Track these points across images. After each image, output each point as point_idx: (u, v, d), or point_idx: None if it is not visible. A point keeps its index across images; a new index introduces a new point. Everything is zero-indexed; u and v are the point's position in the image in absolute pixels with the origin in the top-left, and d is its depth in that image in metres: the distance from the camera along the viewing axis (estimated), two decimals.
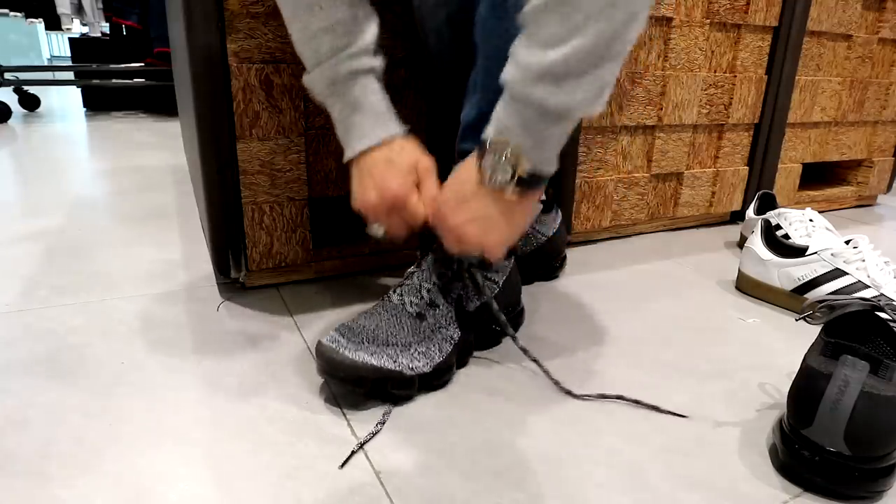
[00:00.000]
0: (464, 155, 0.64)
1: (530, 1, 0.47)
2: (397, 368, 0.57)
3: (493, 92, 0.60)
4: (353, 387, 0.57)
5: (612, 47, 0.46)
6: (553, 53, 0.46)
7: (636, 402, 0.60)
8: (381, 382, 0.56)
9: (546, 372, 0.63)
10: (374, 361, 0.56)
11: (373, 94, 0.61)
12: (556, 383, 0.62)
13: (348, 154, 0.61)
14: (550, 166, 0.53)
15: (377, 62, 0.61)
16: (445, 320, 0.63)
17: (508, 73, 0.49)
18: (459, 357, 0.64)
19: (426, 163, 0.61)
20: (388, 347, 0.58)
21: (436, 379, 0.60)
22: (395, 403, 0.58)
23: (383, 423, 0.55)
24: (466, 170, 0.55)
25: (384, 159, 0.60)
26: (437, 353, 0.61)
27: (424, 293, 0.63)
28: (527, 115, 0.49)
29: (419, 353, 0.59)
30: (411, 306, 0.62)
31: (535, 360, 0.64)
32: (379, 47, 0.62)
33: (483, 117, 0.61)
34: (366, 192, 0.60)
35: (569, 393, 0.61)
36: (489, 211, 0.54)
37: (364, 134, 0.60)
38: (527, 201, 0.55)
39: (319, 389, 0.60)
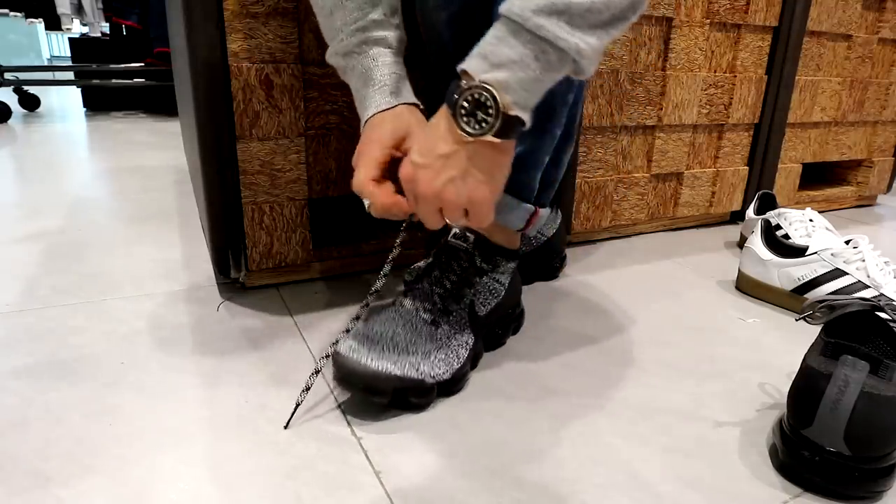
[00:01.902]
0: None
1: None
2: (419, 377, 0.56)
3: None
4: (373, 396, 0.55)
5: (627, 12, 0.45)
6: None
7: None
8: (402, 392, 0.56)
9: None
10: (396, 371, 0.55)
11: (383, 66, 0.59)
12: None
13: (362, 124, 0.59)
14: (528, 115, 0.47)
15: (389, 33, 0.60)
16: (460, 326, 0.62)
17: (517, 4, 0.44)
18: (472, 362, 0.64)
19: (416, 128, 0.57)
20: (410, 356, 0.57)
21: (454, 385, 0.60)
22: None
23: (319, 369, 0.55)
24: (438, 126, 0.49)
25: (373, 129, 0.57)
26: (456, 360, 0.60)
27: (437, 299, 0.62)
28: (529, 50, 0.44)
29: (439, 360, 0.59)
30: (425, 313, 0.61)
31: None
32: (395, 18, 0.61)
33: None
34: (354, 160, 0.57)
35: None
36: (468, 167, 0.48)
37: (369, 105, 0.59)
38: (506, 152, 0.50)
39: (319, 389, 0.60)
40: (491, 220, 0.53)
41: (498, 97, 0.45)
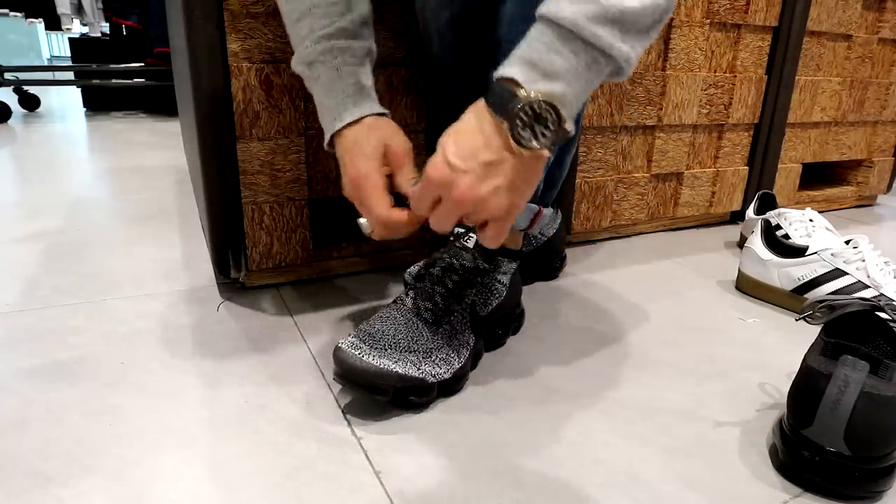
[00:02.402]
0: None
1: None
2: (420, 376, 0.56)
3: None
4: (374, 394, 0.55)
5: (665, 13, 0.45)
6: (631, 1, 0.42)
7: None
8: (403, 391, 0.56)
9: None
10: (398, 369, 0.55)
11: (347, 76, 0.58)
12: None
13: (326, 138, 0.59)
14: (573, 125, 0.47)
15: (357, 43, 0.59)
16: (461, 326, 0.62)
17: (566, 9, 0.42)
18: (473, 362, 0.64)
19: (400, 146, 0.56)
20: (411, 354, 0.57)
21: (454, 385, 0.60)
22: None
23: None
24: (484, 130, 0.46)
25: (352, 141, 0.56)
26: (457, 360, 0.60)
27: (438, 299, 0.61)
28: (583, 59, 0.43)
29: (440, 359, 0.59)
30: (426, 312, 0.61)
31: None
32: (364, 29, 0.60)
33: None
34: (342, 176, 0.57)
35: None
36: (512, 177, 0.46)
37: (335, 116, 0.58)
38: (545, 163, 0.49)
39: (319, 389, 0.60)
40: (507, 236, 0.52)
41: (561, 113, 0.44)
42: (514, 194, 0.48)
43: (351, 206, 0.60)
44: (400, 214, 0.54)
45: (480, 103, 0.47)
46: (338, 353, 0.56)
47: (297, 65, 0.60)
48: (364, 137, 0.56)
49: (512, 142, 0.45)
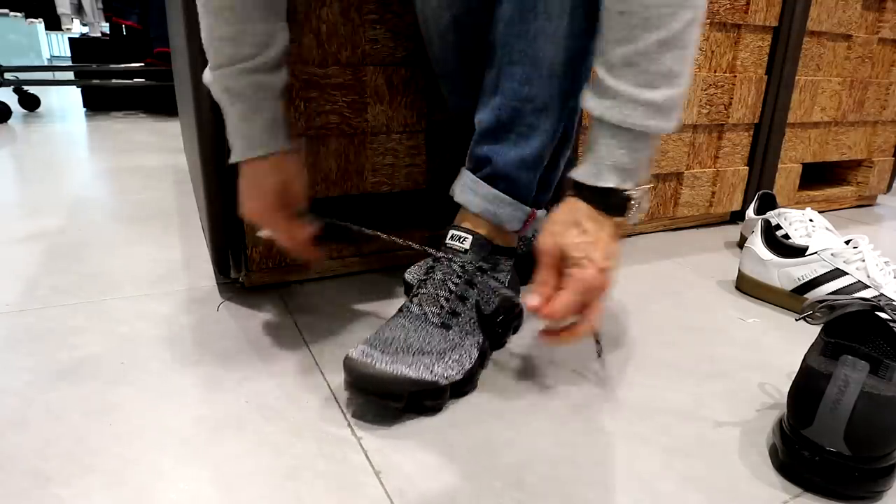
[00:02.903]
0: (479, 160, 0.64)
1: (638, 37, 0.48)
2: (433, 379, 0.56)
3: (514, 98, 0.61)
4: (389, 401, 0.55)
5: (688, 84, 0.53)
6: (679, 86, 0.51)
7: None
8: (417, 395, 0.55)
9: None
10: (411, 373, 0.54)
11: (262, 111, 0.63)
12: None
13: (232, 158, 0.65)
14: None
15: (276, 78, 0.63)
16: (470, 326, 0.62)
17: (639, 116, 0.51)
18: (482, 361, 0.64)
19: (299, 185, 0.66)
20: (424, 356, 0.57)
21: (465, 385, 0.59)
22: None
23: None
24: (611, 233, 0.55)
25: (252, 176, 0.64)
26: (468, 360, 0.60)
27: (443, 302, 0.61)
28: (652, 145, 0.54)
29: (453, 360, 0.58)
30: (433, 316, 0.61)
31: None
32: (282, 62, 0.64)
33: (501, 125, 0.62)
34: (243, 199, 0.65)
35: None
36: (615, 251, 0.56)
37: (246, 146, 0.63)
38: None
39: (319, 390, 0.60)
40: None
41: (646, 194, 0.56)
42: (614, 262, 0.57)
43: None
44: (302, 232, 0.67)
45: (589, 211, 0.55)
46: (348, 363, 0.55)
47: (213, 83, 0.62)
48: (264, 176, 0.64)
49: (623, 220, 0.56)
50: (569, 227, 0.55)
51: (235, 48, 0.60)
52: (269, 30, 0.61)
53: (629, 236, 1.14)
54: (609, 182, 0.54)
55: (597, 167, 0.54)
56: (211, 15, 0.59)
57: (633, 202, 0.55)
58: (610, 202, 0.55)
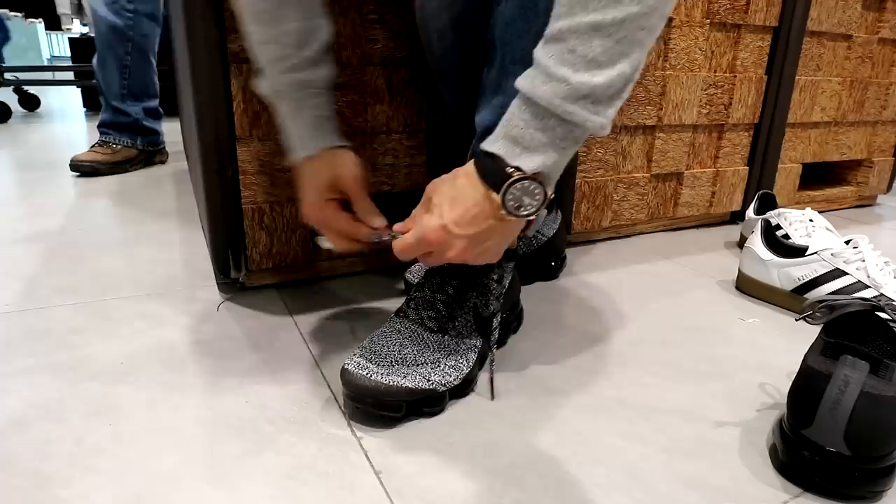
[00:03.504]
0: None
1: (575, 14, 0.46)
2: (430, 387, 0.56)
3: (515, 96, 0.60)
4: (385, 412, 0.55)
5: (636, 74, 0.48)
6: (599, 77, 0.46)
7: None
8: (415, 405, 0.55)
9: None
10: (408, 384, 0.55)
11: (308, 108, 0.63)
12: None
13: (288, 162, 0.65)
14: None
15: (318, 73, 0.63)
16: (467, 330, 0.62)
17: (540, 88, 0.47)
18: (480, 364, 0.63)
19: (350, 177, 0.62)
20: (419, 367, 0.56)
21: (464, 389, 0.59)
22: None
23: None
24: (477, 202, 0.51)
25: (307, 175, 0.63)
26: (466, 364, 0.59)
27: (440, 306, 0.61)
28: (560, 133, 0.48)
29: (449, 367, 0.58)
30: (430, 321, 0.60)
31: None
32: (326, 57, 0.64)
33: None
34: (300, 206, 0.64)
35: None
36: (498, 238, 0.53)
37: (296, 146, 0.64)
38: (525, 220, 0.54)
39: (319, 390, 0.60)
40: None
41: (547, 189, 0.50)
42: (498, 251, 0.55)
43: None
44: (361, 229, 0.61)
45: (472, 170, 0.51)
46: (345, 375, 0.55)
47: (262, 90, 0.64)
48: (316, 172, 0.63)
49: (503, 212, 0.50)
50: (450, 177, 0.54)
51: (275, 49, 0.60)
52: (306, 27, 0.61)
53: (629, 236, 1.14)
54: (495, 148, 0.50)
55: (495, 134, 0.51)
56: (251, 21, 0.60)
57: (512, 182, 0.49)
58: (490, 168, 0.50)
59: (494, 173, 0.50)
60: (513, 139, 0.49)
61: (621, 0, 0.45)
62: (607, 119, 0.48)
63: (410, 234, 0.54)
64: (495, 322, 0.64)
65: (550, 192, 0.50)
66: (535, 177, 0.49)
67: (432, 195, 0.54)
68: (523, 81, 0.49)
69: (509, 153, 0.49)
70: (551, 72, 0.47)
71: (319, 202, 0.62)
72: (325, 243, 0.64)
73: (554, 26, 0.48)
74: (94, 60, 1.58)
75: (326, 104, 0.64)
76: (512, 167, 0.49)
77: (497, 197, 0.49)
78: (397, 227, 0.57)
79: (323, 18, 0.63)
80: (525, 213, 0.50)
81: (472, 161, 0.52)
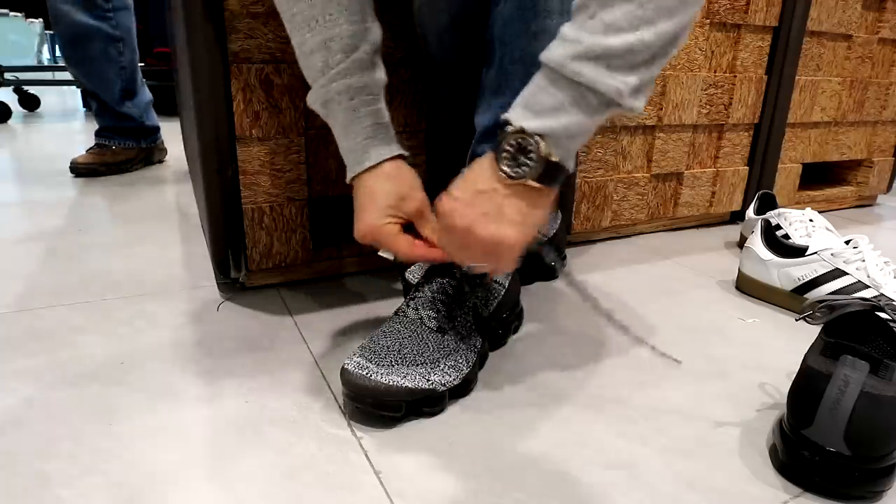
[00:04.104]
0: None
1: None
2: (430, 387, 0.56)
3: (516, 97, 0.60)
4: (385, 412, 0.55)
5: (668, 47, 0.45)
6: (615, 39, 0.43)
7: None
8: (415, 405, 0.55)
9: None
10: (407, 384, 0.55)
11: (364, 116, 0.58)
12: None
13: (347, 179, 0.61)
14: (572, 161, 0.49)
15: (370, 78, 0.59)
16: (466, 330, 0.62)
17: (555, 51, 0.45)
18: (480, 363, 0.64)
19: (416, 201, 0.58)
20: (419, 367, 0.56)
21: (464, 388, 0.59)
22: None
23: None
24: (481, 165, 0.50)
25: (368, 190, 0.58)
26: (465, 364, 0.59)
27: (440, 306, 0.61)
28: (568, 96, 0.45)
29: (449, 367, 0.58)
30: (430, 321, 0.60)
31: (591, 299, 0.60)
32: (377, 57, 0.60)
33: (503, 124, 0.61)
34: (356, 220, 0.59)
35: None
36: (505, 205, 0.49)
37: (354, 160, 0.59)
38: (545, 197, 0.50)
39: (319, 389, 0.60)
40: (513, 267, 0.54)
41: (541, 144, 0.46)
42: (504, 224, 0.49)
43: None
44: (424, 250, 0.57)
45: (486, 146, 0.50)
46: (345, 375, 0.55)
47: (314, 101, 0.59)
48: (380, 188, 0.58)
49: (499, 172, 0.48)
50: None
51: (326, 56, 0.57)
52: (357, 30, 0.57)
53: (629, 236, 1.14)
54: (506, 115, 0.48)
55: (514, 103, 0.49)
56: (299, 30, 0.57)
57: (510, 143, 0.47)
58: (499, 137, 0.48)
59: (499, 141, 0.48)
60: (524, 104, 0.48)
61: None
62: (626, 87, 0.45)
63: (438, 225, 0.53)
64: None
65: (556, 158, 0.47)
66: (533, 134, 0.46)
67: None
68: (543, 53, 0.47)
69: (517, 116, 0.47)
70: (567, 35, 0.45)
71: (380, 224, 0.57)
72: (386, 253, 0.60)
73: None
74: (76, 70, 1.52)
75: (383, 111, 0.60)
76: (515, 127, 0.47)
77: (495, 163, 0.48)
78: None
79: (374, 21, 0.59)
80: (519, 172, 0.47)
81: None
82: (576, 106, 0.46)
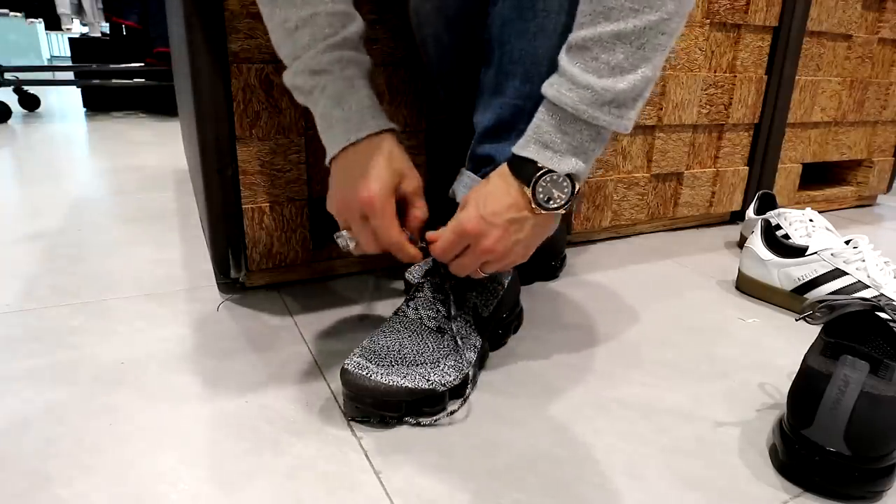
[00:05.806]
0: (480, 159, 0.64)
1: (598, 24, 0.48)
2: (430, 387, 0.56)
3: (515, 96, 0.61)
4: (385, 412, 0.55)
5: (658, 73, 0.52)
6: (622, 83, 0.49)
7: None
8: (413, 405, 0.55)
9: None
10: (407, 384, 0.55)
11: (360, 87, 0.56)
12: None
13: (331, 152, 0.57)
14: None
15: (362, 56, 0.58)
16: (466, 330, 0.62)
17: (567, 96, 0.50)
18: (480, 363, 0.64)
19: (414, 181, 0.58)
20: (419, 367, 0.56)
21: (464, 388, 0.59)
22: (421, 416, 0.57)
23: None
24: (506, 190, 0.54)
25: (367, 157, 0.55)
26: (465, 364, 0.59)
27: (440, 306, 0.61)
28: (587, 136, 0.52)
29: (448, 366, 0.58)
30: (429, 321, 0.60)
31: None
32: (363, 44, 0.58)
33: (503, 123, 0.61)
34: (342, 190, 0.56)
35: None
36: (530, 232, 0.55)
37: (349, 129, 0.56)
38: (559, 215, 0.57)
39: (319, 389, 0.60)
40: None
41: (577, 183, 0.53)
42: (531, 246, 0.57)
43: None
44: (413, 248, 0.57)
45: (505, 170, 0.55)
46: (345, 375, 0.55)
47: (297, 74, 0.56)
48: (383, 159, 0.56)
49: (534, 205, 0.53)
50: (483, 181, 0.57)
51: (313, 29, 0.54)
52: (344, 10, 0.56)
53: (629, 236, 1.14)
54: (527, 153, 0.53)
55: (526, 139, 0.54)
56: (282, 7, 0.54)
57: (542, 175, 0.52)
58: (522, 170, 0.53)
59: (526, 172, 0.53)
60: (543, 144, 0.52)
61: (641, 9, 0.48)
62: (630, 120, 0.52)
63: (448, 231, 0.56)
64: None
65: (580, 186, 0.54)
66: (568, 175, 0.53)
67: (468, 200, 0.56)
68: (549, 89, 0.52)
69: (541, 157, 0.52)
70: (577, 79, 0.50)
71: (384, 195, 0.54)
72: (350, 242, 0.57)
73: (578, 35, 0.50)
74: None
75: (372, 90, 0.58)
76: (545, 168, 0.52)
77: (528, 190, 0.53)
78: (429, 235, 0.58)
79: (353, 9, 0.58)
80: (555, 205, 0.53)
81: (505, 164, 0.55)
82: (594, 142, 0.53)
